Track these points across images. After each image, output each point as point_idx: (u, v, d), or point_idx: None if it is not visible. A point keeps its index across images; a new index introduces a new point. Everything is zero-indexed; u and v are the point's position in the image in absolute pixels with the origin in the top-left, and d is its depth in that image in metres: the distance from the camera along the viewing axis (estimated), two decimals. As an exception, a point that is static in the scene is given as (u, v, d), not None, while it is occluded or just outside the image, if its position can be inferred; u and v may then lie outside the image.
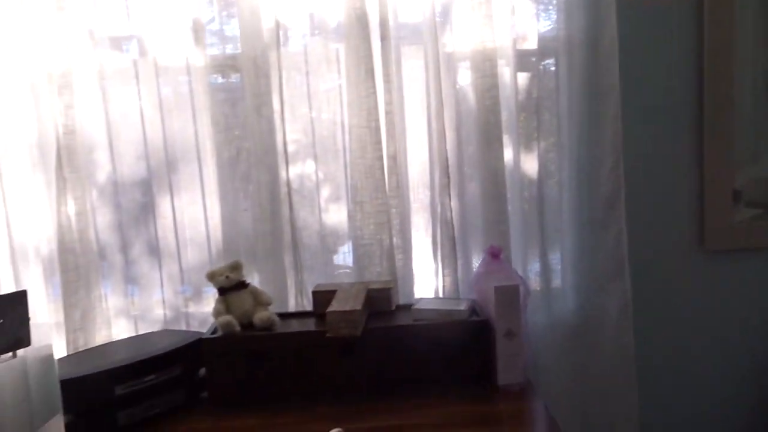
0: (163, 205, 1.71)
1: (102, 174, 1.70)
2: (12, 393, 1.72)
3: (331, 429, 0.94)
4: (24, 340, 1.53)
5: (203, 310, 1.75)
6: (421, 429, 1.28)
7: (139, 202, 1.71)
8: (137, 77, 1.65)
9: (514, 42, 1.65)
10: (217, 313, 1.54)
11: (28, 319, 1.53)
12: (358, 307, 1.45)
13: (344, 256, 1.73)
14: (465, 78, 1.67)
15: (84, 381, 1.34)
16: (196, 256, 1.73)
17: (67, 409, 1.34)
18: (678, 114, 1.72)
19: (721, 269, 1.77)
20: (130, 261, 1.73)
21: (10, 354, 1.56)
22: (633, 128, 1.70)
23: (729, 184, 1.74)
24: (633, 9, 1.68)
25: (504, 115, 1.65)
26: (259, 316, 1.54)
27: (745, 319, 1.79)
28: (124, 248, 1.73)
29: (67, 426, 1.34)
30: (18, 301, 1.51)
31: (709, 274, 1.77)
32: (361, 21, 1.60)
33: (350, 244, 1.71)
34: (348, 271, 1.74)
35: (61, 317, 1.70)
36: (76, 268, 1.64)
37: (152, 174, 1.70)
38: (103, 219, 1.71)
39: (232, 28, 1.66)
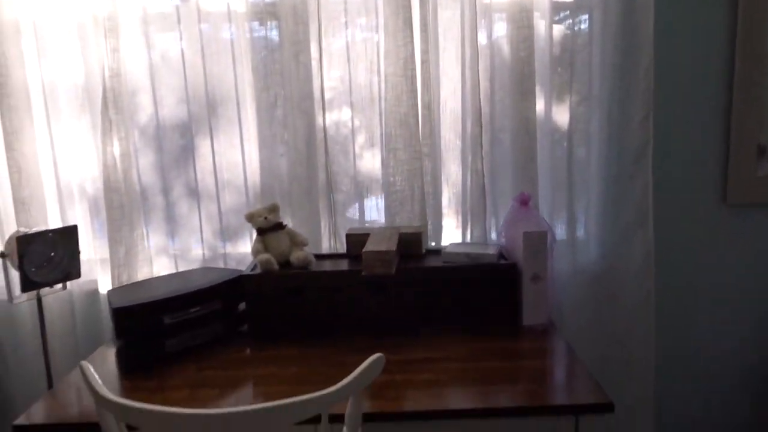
0: (203, 148, 1.77)
1: (144, 116, 1.76)
2: (60, 323, 1.82)
3: (365, 359, 1.01)
4: (74, 273, 1.61)
5: (240, 251, 1.83)
6: (449, 362, 1.36)
7: (179, 144, 1.77)
8: (179, 22, 1.69)
9: (550, -7, 1.67)
10: (256, 252, 1.62)
11: (78, 252, 1.61)
12: (393, 248, 1.52)
13: (377, 202, 1.79)
14: (500, 29, 1.70)
15: (136, 310, 1.42)
16: (233, 198, 1.80)
17: (120, 335, 1.42)
18: (709, 69, 1.75)
19: (743, 223, 1.82)
20: (170, 202, 1.80)
21: (60, 286, 1.65)
22: (663, 83, 1.73)
23: (754, 139, 1.78)
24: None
25: (537, 67, 1.68)
26: (296, 256, 1.62)
27: (764, 271, 1.85)
28: (165, 189, 1.79)
29: (120, 351, 1.42)
30: (69, 235, 1.59)
31: (730, 227, 1.82)
32: (399, -31, 1.62)
33: (383, 189, 1.77)
34: (379, 218, 1.80)
35: (105, 254, 1.78)
36: (121, 207, 1.71)
37: (192, 117, 1.75)
38: (145, 160, 1.77)
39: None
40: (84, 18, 1.66)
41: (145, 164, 1.78)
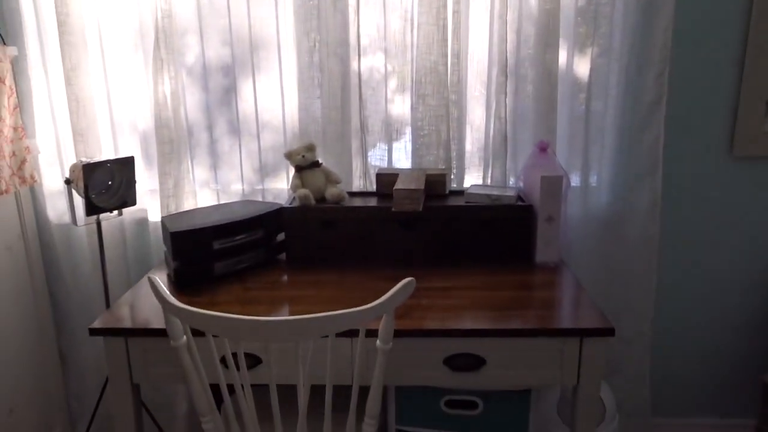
0: (245, 89, 1.90)
1: (191, 57, 1.88)
2: (113, 248, 2.00)
3: (393, 286, 1.16)
4: (130, 200, 1.78)
5: (277, 186, 1.98)
6: (469, 290, 1.53)
7: (222, 84, 1.90)
8: (226, -34, 1.79)
9: (579, -51, 1.74)
10: (295, 187, 1.77)
11: (134, 181, 1.77)
12: (421, 186, 1.67)
13: (405, 144, 1.92)
14: (528, -18, 1.78)
15: (191, 235, 1.59)
16: (272, 137, 1.94)
17: (175, 257, 1.59)
18: (725, 28, 1.83)
19: (747, 174, 1.94)
20: (214, 139, 1.94)
21: (117, 212, 1.82)
22: (681, 39, 1.81)
23: (763, 94, 1.87)
24: None
25: (561, 20, 1.77)
26: (331, 192, 1.77)
27: (765, 218, 1.98)
28: (210, 127, 1.93)
29: (176, 271, 1.60)
30: (127, 165, 1.75)
31: (735, 179, 1.94)
32: None
33: (410, 133, 1.90)
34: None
35: (153, 185, 1.94)
36: (170, 142, 1.86)
37: (236, 59, 1.87)
38: (192, 98, 1.91)
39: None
40: (137, -39, 1.76)
41: (192, 102, 1.91)
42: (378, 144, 1.92)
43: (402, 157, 1.94)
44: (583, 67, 1.83)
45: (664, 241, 1.95)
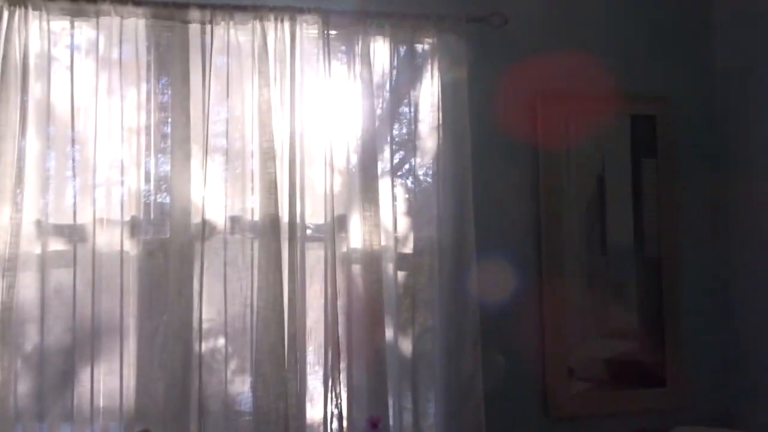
0: (83, 374, 1.90)
1: (30, 344, 1.88)
2: None
3: None
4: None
5: (111, 474, 1.89)
6: None
7: (60, 370, 1.89)
8: (75, 260, 1.91)
9: (396, 246, 2.08)
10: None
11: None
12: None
13: (246, 423, 1.96)
14: (356, 272, 2.06)
15: None
16: (109, 422, 1.90)
17: None
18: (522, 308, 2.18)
19: (564, 434, 2.15)
20: (43, 428, 1.87)
21: None
22: (487, 318, 2.11)
23: (565, 362, 2.17)
24: (486, 224, 2.15)
25: (387, 305, 2.03)
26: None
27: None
28: (41, 414, 1.86)
29: None
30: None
31: (553, 439, 2.14)
32: (273, 223, 1.98)
33: (252, 410, 1.95)
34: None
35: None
36: (-8, 434, 1.77)
37: (76, 345, 1.89)
38: (24, 386, 1.86)
39: (165, 222, 1.98)
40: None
41: (24, 389, 1.86)
42: (218, 422, 1.95)
43: (246, 435, 1.97)
44: (407, 344, 2.06)
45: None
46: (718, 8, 2.42)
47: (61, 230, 1.92)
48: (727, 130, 2.36)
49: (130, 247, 1.94)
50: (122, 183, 1.93)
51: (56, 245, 1.92)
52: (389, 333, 2.04)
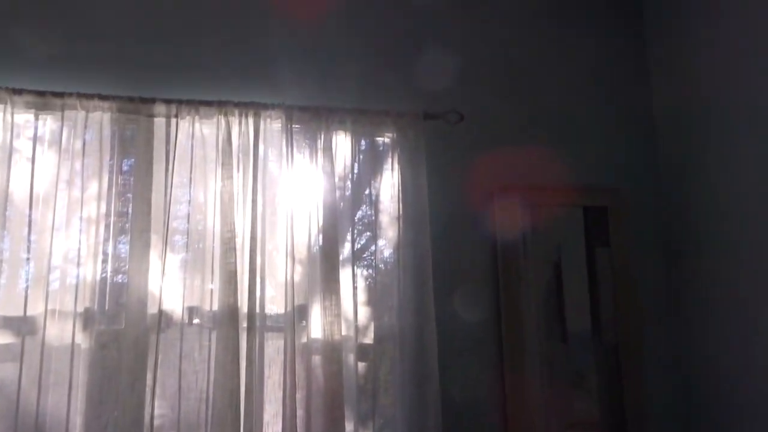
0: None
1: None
2: None
3: None
4: None
5: None
6: None
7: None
8: (22, 354, 1.84)
9: (357, 335, 2.06)
10: None
11: None
12: None
13: None
14: (316, 363, 2.02)
15: None
16: None
17: None
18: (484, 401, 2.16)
19: None
20: None
21: None
22: (449, 408, 2.08)
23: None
24: (446, 309, 2.16)
25: (347, 396, 1.99)
26: None
27: None
28: None
29: None
30: None
31: None
32: (232, 313, 1.95)
33: None
34: None
35: None
36: None
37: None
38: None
39: (120, 313, 1.94)
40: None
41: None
42: None
43: None
44: (368, 438, 2.01)
45: None
46: (660, 103, 2.58)
47: (9, 323, 1.86)
48: (674, 216, 2.47)
49: (82, 340, 1.88)
50: (77, 274, 1.90)
51: (3, 338, 1.85)
52: (349, 426, 1.99)
